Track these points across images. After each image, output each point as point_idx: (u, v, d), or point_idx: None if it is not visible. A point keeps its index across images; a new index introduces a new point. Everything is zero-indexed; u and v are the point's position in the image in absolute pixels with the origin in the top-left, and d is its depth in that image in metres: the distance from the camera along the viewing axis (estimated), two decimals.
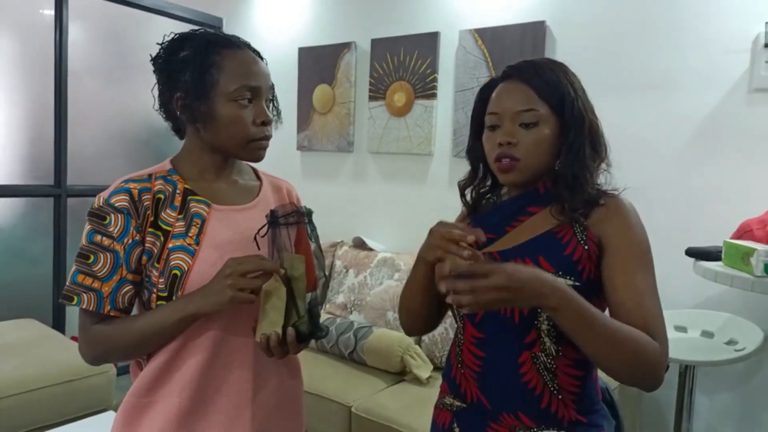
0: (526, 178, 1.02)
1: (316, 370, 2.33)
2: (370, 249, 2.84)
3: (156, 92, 1.06)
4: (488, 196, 1.15)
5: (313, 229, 1.03)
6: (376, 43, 3.02)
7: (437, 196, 2.85)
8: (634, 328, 0.89)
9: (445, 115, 2.83)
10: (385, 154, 3.04)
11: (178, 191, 1.04)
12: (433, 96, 2.83)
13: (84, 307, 0.97)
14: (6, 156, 2.97)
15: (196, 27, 3.66)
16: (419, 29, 2.88)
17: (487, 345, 1.02)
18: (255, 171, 1.21)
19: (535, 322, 0.97)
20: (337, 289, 2.79)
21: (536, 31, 2.51)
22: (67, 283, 0.98)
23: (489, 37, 2.64)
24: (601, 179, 1.05)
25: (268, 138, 1.06)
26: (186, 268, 0.99)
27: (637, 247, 0.96)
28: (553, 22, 2.50)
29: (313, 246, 1.02)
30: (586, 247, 0.97)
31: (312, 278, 1.02)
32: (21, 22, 3.04)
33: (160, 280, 0.99)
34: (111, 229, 0.98)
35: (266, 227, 0.99)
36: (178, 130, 1.10)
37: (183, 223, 1.02)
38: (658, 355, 0.89)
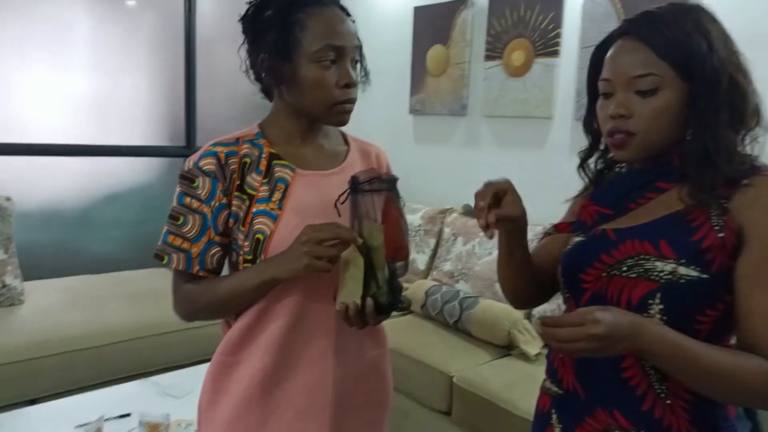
0: (643, 154, 0.87)
1: (419, 337, 2.31)
2: None
3: (243, 53, 1.04)
4: (616, 167, 1.02)
5: (398, 197, 0.97)
6: None
7: (557, 163, 2.65)
8: (760, 351, 0.76)
9: (568, 74, 2.60)
10: (500, 117, 2.88)
11: (263, 155, 1.03)
12: (555, 53, 2.61)
13: (173, 266, 1.00)
14: (144, 119, 3.23)
15: None
16: None
17: None
18: (344, 135, 1.16)
19: (645, 314, 0.83)
20: (444, 256, 2.72)
21: None
22: (159, 243, 1.01)
23: None
24: (755, 150, 0.86)
25: (352, 101, 1.02)
26: (268, 233, 0.98)
27: None
28: None
29: (394, 214, 0.96)
30: (721, 235, 0.80)
31: (399, 248, 0.97)
32: None
33: (245, 244, 1.00)
34: (199, 192, 0.99)
35: (347, 194, 0.95)
36: (267, 93, 1.08)
37: (267, 188, 1.01)
38: None
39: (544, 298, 1.08)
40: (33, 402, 1.97)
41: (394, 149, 3.44)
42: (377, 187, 0.94)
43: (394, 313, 0.99)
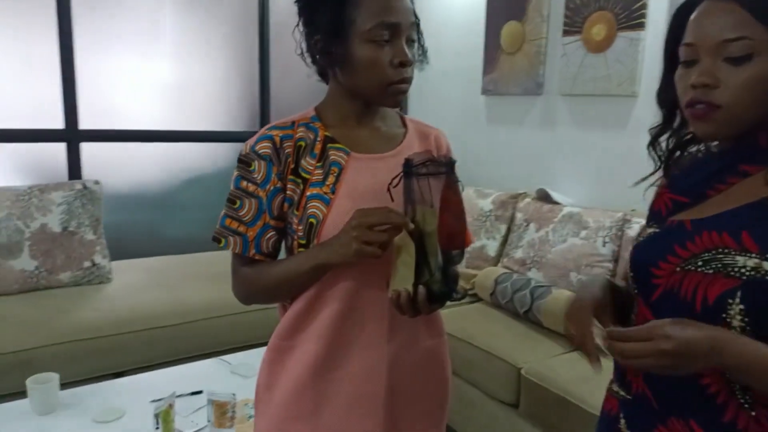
0: (728, 131, 0.77)
1: (487, 326, 2.25)
2: (555, 202, 2.61)
3: (297, 35, 1.01)
4: (691, 147, 0.91)
5: (455, 181, 0.91)
6: None
7: (641, 144, 2.44)
8: None
9: (654, 48, 2.39)
10: (578, 96, 2.71)
11: (318, 138, 1.01)
12: (641, 26, 2.41)
13: (230, 249, 1.01)
14: (221, 105, 3.33)
15: None
16: None
17: None
18: (402, 118, 1.12)
19: (724, 315, 0.74)
20: (516, 243, 2.63)
21: None
22: (217, 226, 1.02)
23: None
24: None
25: (407, 81, 0.97)
26: (321, 217, 0.97)
27: None
28: None
29: (451, 199, 0.91)
30: None
31: (455, 234, 0.93)
32: None
33: (299, 227, 0.99)
34: (255, 176, 0.99)
35: (400, 177, 0.91)
36: (324, 75, 1.05)
37: (321, 171, 0.99)
38: None
39: None
40: (118, 375, 2.11)
41: (465, 131, 3.38)
42: (432, 170, 0.90)
43: (452, 302, 0.95)
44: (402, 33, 0.94)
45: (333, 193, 0.98)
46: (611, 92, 2.55)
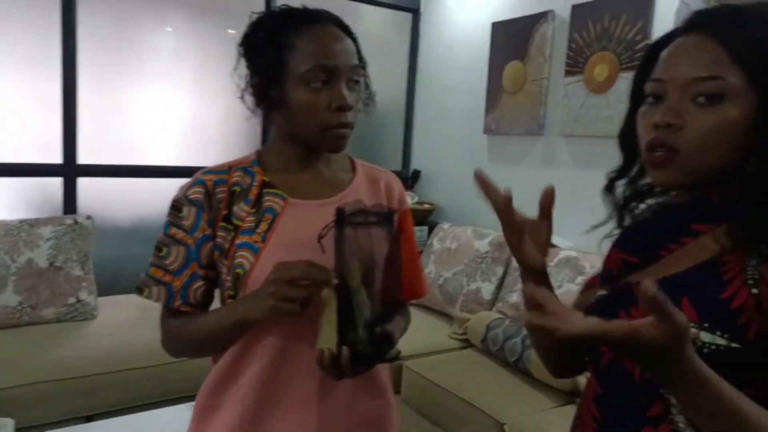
0: (688, 180, 0.69)
1: (474, 374, 2.14)
2: (553, 245, 2.50)
3: (236, 78, 0.98)
4: (651, 200, 0.83)
5: (390, 232, 0.85)
6: (577, 9, 2.63)
7: None
8: None
9: None
10: (579, 137, 2.64)
11: (255, 183, 0.96)
12: None
13: (154, 299, 0.95)
14: (229, 142, 3.34)
15: (395, 11, 3.60)
16: None
17: (605, 405, 0.74)
18: (352, 161, 1.07)
19: (661, 391, 0.65)
20: (511, 287, 2.52)
21: None
22: (141, 275, 0.97)
23: None
24: None
25: (346, 126, 0.92)
26: (248, 267, 0.91)
27: None
28: None
29: (386, 251, 0.84)
30: (754, 291, 0.61)
31: (388, 288, 0.86)
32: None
33: (228, 278, 0.93)
34: (184, 222, 0.94)
35: (329, 227, 0.85)
36: (269, 119, 1.01)
37: (253, 218, 0.94)
38: None
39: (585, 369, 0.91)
40: (90, 419, 2.04)
41: (468, 170, 3.28)
42: (364, 220, 0.84)
43: (384, 363, 0.87)
44: (340, 76, 0.90)
45: (263, 241, 0.92)
46: (613, 133, 2.42)
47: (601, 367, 0.75)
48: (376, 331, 0.83)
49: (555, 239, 2.51)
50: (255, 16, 0.96)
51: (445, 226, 3.06)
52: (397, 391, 2.30)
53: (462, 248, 2.83)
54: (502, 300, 2.53)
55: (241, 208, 0.95)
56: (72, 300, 2.42)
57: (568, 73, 2.68)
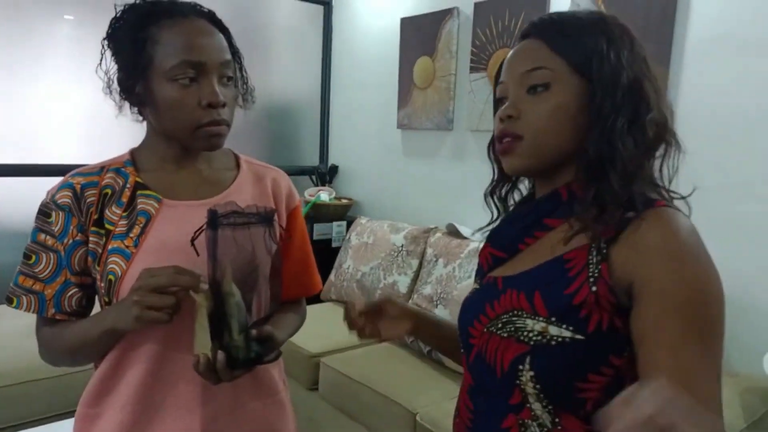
0: (534, 163, 0.75)
1: (387, 367, 2.18)
2: (464, 237, 2.59)
3: (101, 73, 0.93)
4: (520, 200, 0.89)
5: (269, 232, 0.85)
6: (479, 6, 2.71)
7: None
8: None
9: None
10: (486, 131, 2.73)
11: (128, 185, 0.93)
12: None
13: (23, 309, 0.91)
14: (138, 138, 3.19)
15: (306, 3, 3.52)
16: None
17: (475, 395, 0.79)
18: (237, 158, 1.05)
19: (517, 382, 0.71)
20: (425, 279, 2.59)
21: None
22: (10, 285, 0.92)
23: None
24: (669, 176, 0.74)
25: (219, 123, 0.90)
26: (120, 273, 0.89)
27: (687, 300, 0.64)
28: None
29: (264, 250, 0.84)
30: (593, 289, 0.67)
31: (273, 288, 0.86)
32: None
33: (102, 285, 0.90)
34: (53, 228, 0.91)
35: (201, 229, 0.84)
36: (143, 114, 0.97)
37: (126, 222, 0.91)
38: None
39: None
40: None
41: (384, 165, 3.35)
42: (240, 221, 0.83)
43: (264, 364, 0.86)
44: (210, 72, 0.88)
45: (136, 246, 0.90)
46: None
47: (471, 360, 0.80)
48: (252, 333, 0.83)
49: (465, 231, 2.60)
50: (120, 7, 0.92)
51: (363, 220, 3.09)
52: (315, 388, 2.31)
53: (378, 242, 2.87)
54: (417, 292, 2.59)
55: (113, 212, 0.92)
56: None
57: (473, 69, 2.76)
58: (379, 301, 0.96)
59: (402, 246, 2.77)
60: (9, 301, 0.93)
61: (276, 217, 0.87)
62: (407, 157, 3.20)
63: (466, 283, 2.36)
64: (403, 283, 2.70)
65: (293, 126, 3.72)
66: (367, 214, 3.34)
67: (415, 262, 2.72)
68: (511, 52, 0.79)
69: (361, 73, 3.46)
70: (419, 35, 3.02)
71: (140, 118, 0.97)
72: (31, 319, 2.39)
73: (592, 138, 0.71)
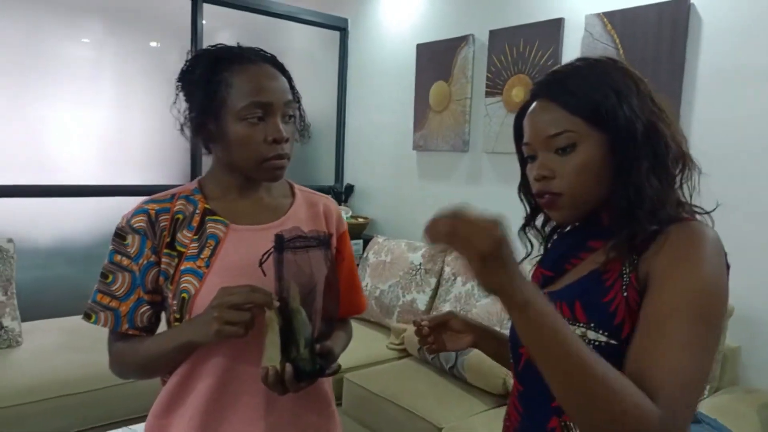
0: (577, 212, 0.84)
1: (412, 383, 2.24)
2: None
3: (174, 111, 1.04)
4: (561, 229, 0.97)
5: (327, 255, 0.93)
6: (494, 34, 2.82)
7: None
8: (639, 380, 0.67)
9: None
10: (501, 154, 2.83)
11: (197, 211, 1.02)
12: None
13: (101, 325, 0.99)
14: (152, 158, 3.28)
15: (323, 29, 3.66)
16: (541, 16, 2.62)
17: (525, 399, 0.87)
18: (292, 186, 1.14)
19: None
20: (444, 297, 2.66)
21: (677, 10, 2.13)
22: (88, 301, 1.01)
23: (620, 21, 2.31)
24: (689, 192, 0.83)
25: (282, 157, 0.99)
26: (193, 292, 0.96)
27: (690, 289, 0.71)
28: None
29: (324, 272, 0.93)
30: (625, 294, 0.76)
31: (329, 308, 0.94)
32: (173, 35, 3.34)
33: (173, 302, 0.98)
34: (129, 250, 0.99)
35: (269, 252, 0.92)
36: (209, 149, 1.06)
37: (197, 245, 0.99)
38: (648, 420, 0.64)
39: None
40: None
41: (399, 186, 3.44)
42: (303, 244, 0.91)
43: (325, 377, 0.93)
44: (275, 111, 0.97)
45: (207, 267, 0.98)
46: None
47: (520, 368, 0.88)
48: (316, 348, 0.90)
49: None
50: (192, 53, 1.02)
51: (380, 239, 3.16)
52: (338, 404, 2.35)
53: (396, 261, 2.94)
54: (437, 309, 2.66)
55: (184, 235, 1.00)
56: None
57: (488, 93, 2.86)
58: (443, 316, 1.05)
59: (420, 264, 2.84)
60: (87, 317, 1.00)
61: (332, 240, 0.95)
62: (423, 178, 3.29)
63: (485, 302, 2.43)
64: (421, 300, 2.76)
65: (310, 146, 3.81)
66: (383, 233, 3.42)
67: (433, 281, 2.78)
68: (529, 113, 0.85)
69: (377, 96, 3.56)
70: (435, 60, 3.13)
71: (204, 150, 1.06)
72: (61, 336, 2.46)
73: (618, 187, 0.79)
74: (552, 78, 0.84)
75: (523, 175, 0.93)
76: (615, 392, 0.64)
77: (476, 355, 2.18)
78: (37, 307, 2.69)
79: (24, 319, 2.47)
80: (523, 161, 0.91)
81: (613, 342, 0.75)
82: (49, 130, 2.91)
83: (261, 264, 0.94)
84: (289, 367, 0.87)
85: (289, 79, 1.04)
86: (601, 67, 0.82)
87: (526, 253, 0.97)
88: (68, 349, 2.38)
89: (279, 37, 3.77)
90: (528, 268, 1.00)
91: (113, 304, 0.99)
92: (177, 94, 1.02)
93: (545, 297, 0.67)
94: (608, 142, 0.79)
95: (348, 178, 3.81)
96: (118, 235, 1.00)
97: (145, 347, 0.98)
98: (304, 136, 1.08)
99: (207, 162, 3.49)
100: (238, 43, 1.04)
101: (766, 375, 1.80)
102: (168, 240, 0.99)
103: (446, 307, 2.59)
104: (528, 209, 0.97)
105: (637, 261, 0.76)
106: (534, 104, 0.85)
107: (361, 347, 2.51)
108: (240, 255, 0.99)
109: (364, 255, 3.16)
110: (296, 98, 1.04)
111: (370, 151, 3.66)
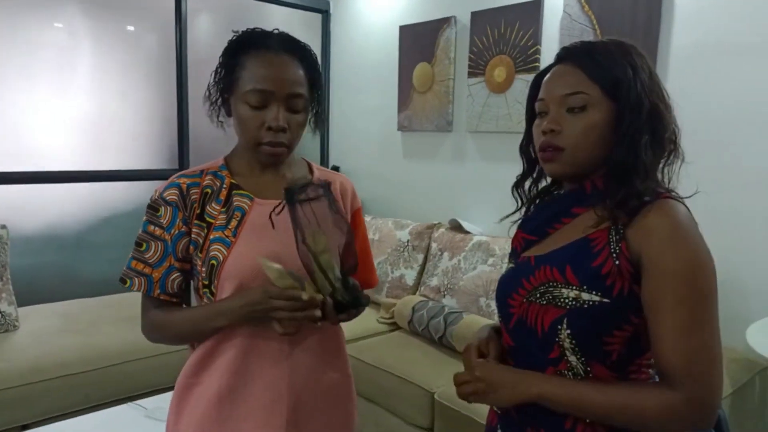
0: (571, 170, 0.92)
1: (404, 352, 2.34)
2: (466, 232, 2.77)
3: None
4: (547, 193, 1.06)
5: (333, 200, 1.01)
6: (476, 15, 2.89)
7: None
8: (666, 372, 0.82)
9: None
10: (483, 132, 2.91)
11: (224, 186, 1.09)
12: (535, 69, 2.65)
13: (135, 289, 1.07)
14: (139, 142, 3.30)
15: (305, 11, 3.65)
16: None
17: (516, 354, 0.96)
18: (310, 165, 1.22)
19: (556, 339, 0.88)
20: (431, 271, 2.76)
21: None
22: (124, 268, 1.09)
23: (597, 2, 2.39)
24: (670, 179, 0.92)
25: (276, 144, 1.05)
26: (221, 258, 1.04)
27: (682, 272, 0.81)
28: None
29: (332, 218, 1.00)
30: (617, 263, 0.85)
31: (347, 245, 1.00)
32: (151, 18, 3.33)
33: (203, 269, 1.06)
34: (162, 220, 1.07)
35: (282, 205, 1.00)
36: None
37: (225, 216, 1.07)
38: (674, 408, 0.81)
39: None
40: (25, 427, 2.02)
41: (385, 165, 3.52)
42: (312, 194, 0.98)
43: (359, 307, 1.01)
44: (276, 101, 1.03)
45: (234, 236, 1.05)
46: (512, 129, 2.76)
47: (511, 326, 0.96)
48: (348, 282, 0.99)
49: (467, 226, 2.77)
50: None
51: (368, 218, 3.24)
52: None
53: (384, 239, 3.03)
54: (424, 284, 2.76)
55: (213, 207, 1.08)
56: None
57: (470, 74, 2.94)
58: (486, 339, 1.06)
59: (408, 242, 2.93)
60: (123, 282, 1.09)
61: (332, 186, 1.02)
62: (408, 158, 3.37)
63: (471, 274, 2.54)
64: (410, 276, 2.86)
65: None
66: (370, 212, 3.49)
67: (420, 257, 2.88)
68: (551, 74, 0.94)
69: (361, 78, 3.61)
70: (418, 42, 3.19)
71: (226, 126, 1.13)
72: (57, 319, 2.50)
73: (619, 150, 0.88)
74: (581, 46, 0.93)
75: (527, 133, 1.01)
76: (640, 410, 0.82)
77: (464, 324, 2.29)
78: (31, 292, 2.71)
79: (20, 305, 2.50)
80: (531, 120, 0.99)
81: (606, 300, 0.85)
82: (29, 118, 2.89)
83: (276, 215, 1.02)
84: (329, 299, 0.96)
85: (312, 73, 1.08)
86: (626, 48, 0.91)
87: (515, 209, 1.06)
88: (65, 332, 2.43)
89: (261, 19, 3.78)
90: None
91: (146, 270, 1.07)
92: (212, 73, 1.09)
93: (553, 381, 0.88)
94: (616, 111, 0.88)
95: (333, 160, 3.87)
96: (151, 207, 1.08)
97: (180, 321, 1.07)
98: (318, 127, 1.15)
99: (195, 146, 3.51)
100: (276, 29, 1.10)
101: (732, 333, 1.92)
102: (198, 212, 1.07)
103: (434, 282, 2.69)
104: (525, 166, 1.05)
105: (623, 230, 0.85)
106: (558, 66, 0.94)
107: (353, 321, 2.59)
108: (263, 225, 1.06)
109: None
110: (316, 90, 1.10)
111: (355, 133, 3.72)
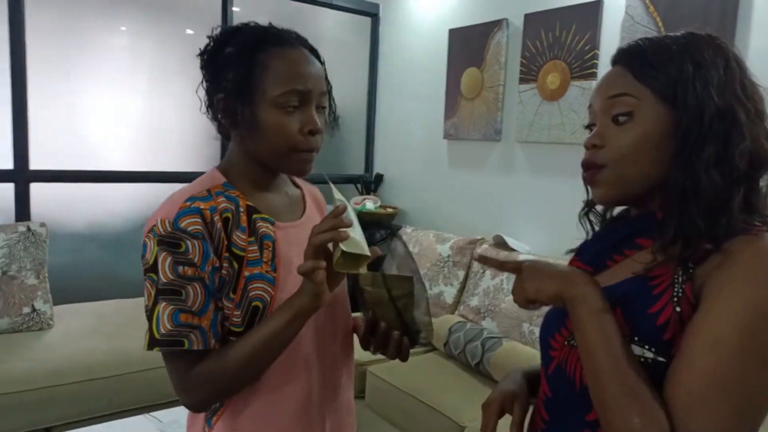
0: (617, 192, 0.76)
1: (436, 378, 2.19)
2: (512, 249, 2.58)
3: (201, 92, 0.95)
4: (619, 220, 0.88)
5: (405, 244, 1.01)
6: (529, 18, 2.71)
7: None
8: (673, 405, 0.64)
9: None
10: (534, 143, 2.72)
11: (241, 209, 0.92)
12: (593, 76, 2.45)
13: (195, 347, 0.83)
14: (187, 145, 3.30)
15: (354, 15, 3.60)
16: None
17: (552, 407, 0.79)
18: (290, 177, 1.07)
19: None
20: (472, 290, 2.59)
21: None
22: (170, 327, 0.82)
23: (663, 4, 2.17)
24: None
25: (314, 149, 0.92)
26: (268, 299, 0.88)
27: (741, 312, 0.62)
28: None
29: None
30: (677, 309, 0.66)
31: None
32: (211, 22, 3.33)
33: (236, 313, 0.87)
34: (190, 257, 0.84)
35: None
36: (225, 134, 0.98)
37: (255, 247, 0.90)
38: None
39: None
40: (48, 431, 2.00)
41: (428, 175, 3.38)
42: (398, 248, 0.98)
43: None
44: (312, 100, 0.90)
45: (275, 270, 0.91)
46: (565, 140, 2.56)
47: (550, 371, 0.80)
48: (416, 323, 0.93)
49: (513, 243, 2.59)
50: (219, 30, 0.94)
51: (408, 230, 3.11)
52: (361, 396, 2.33)
53: (424, 252, 2.88)
54: (464, 303, 2.60)
55: (239, 237, 0.89)
56: (27, 309, 2.36)
57: (522, 80, 2.76)
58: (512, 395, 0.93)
59: (449, 257, 2.78)
60: (179, 344, 0.83)
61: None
62: (453, 168, 3.21)
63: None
64: (449, 293, 2.70)
65: (339, 135, 3.77)
66: (411, 223, 3.36)
67: (461, 273, 2.72)
68: (600, 79, 0.80)
69: (408, 83, 3.49)
70: (467, 46, 3.03)
71: (218, 136, 1.00)
72: (91, 319, 2.49)
73: (674, 168, 0.70)
74: (633, 45, 0.77)
75: None
76: (626, 414, 0.63)
77: (503, 352, 2.11)
78: (68, 291, 2.74)
79: (56, 303, 2.52)
80: None
81: (660, 359, 0.67)
82: (86, 118, 2.96)
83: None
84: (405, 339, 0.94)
85: (323, 67, 0.97)
86: (692, 41, 0.73)
87: (585, 240, 0.89)
88: (97, 333, 2.42)
89: (310, 23, 3.73)
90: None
91: (195, 321, 0.84)
92: (203, 75, 0.95)
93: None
94: (674, 120, 0.71)
95: (377, 168, 3.76)
96: (167, 243, 0.84)
97: (242, 347, 0.86)
98: (334, 127, 1.02)
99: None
100: (270, 23, 0.96)
101: None
102: (226, 243, 0.88)
103: (474, 302, 2.53)
104: (588, 192, 0.87)
105: (693, 269, 0.67)
106: (610, 70, 0.79)
107: None
108: (295, 253, 0.92)
109: None
110: (329, 88, 0.97)
111: (399, 140, 3.59)
